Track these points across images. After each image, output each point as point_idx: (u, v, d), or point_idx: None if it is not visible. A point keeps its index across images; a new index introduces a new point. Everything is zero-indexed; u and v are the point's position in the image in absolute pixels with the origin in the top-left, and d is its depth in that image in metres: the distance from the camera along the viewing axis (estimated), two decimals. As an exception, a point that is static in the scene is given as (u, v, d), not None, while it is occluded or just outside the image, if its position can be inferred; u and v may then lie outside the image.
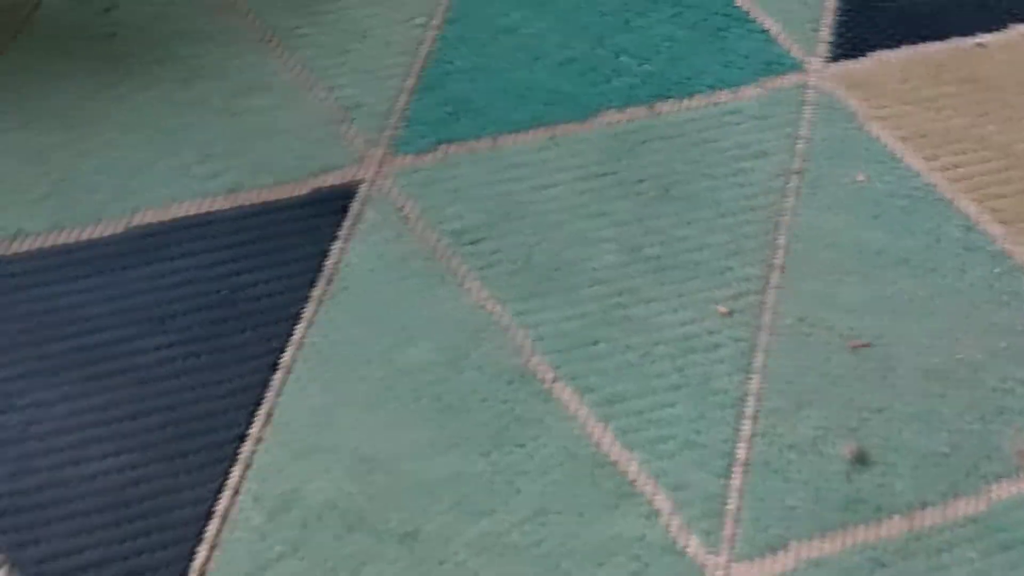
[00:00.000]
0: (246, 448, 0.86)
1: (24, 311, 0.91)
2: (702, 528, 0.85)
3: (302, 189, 0.99)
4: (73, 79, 1.04)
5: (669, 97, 1.07)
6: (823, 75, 1.10)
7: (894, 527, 0.85)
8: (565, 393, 0.90)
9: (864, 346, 0.94)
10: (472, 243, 0.97)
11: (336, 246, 0.97)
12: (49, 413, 0.86)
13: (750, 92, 1.08)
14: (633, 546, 0.83)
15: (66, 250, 0.94)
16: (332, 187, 1.00)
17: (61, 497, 0.83)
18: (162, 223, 0.96)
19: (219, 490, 0.84)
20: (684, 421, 0.89)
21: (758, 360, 0.92)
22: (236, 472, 0.85)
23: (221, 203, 0.98)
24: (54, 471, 0.83)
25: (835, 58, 1.12)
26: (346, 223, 0.98)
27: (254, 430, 0.87)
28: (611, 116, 1.05)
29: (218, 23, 1.09)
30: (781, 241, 0.99)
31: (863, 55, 1.13)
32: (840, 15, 1.16)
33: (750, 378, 0.91)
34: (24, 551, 0.80)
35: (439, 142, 1.03)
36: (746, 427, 0.89)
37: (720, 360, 0.92)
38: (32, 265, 0.94)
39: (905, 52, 1.14)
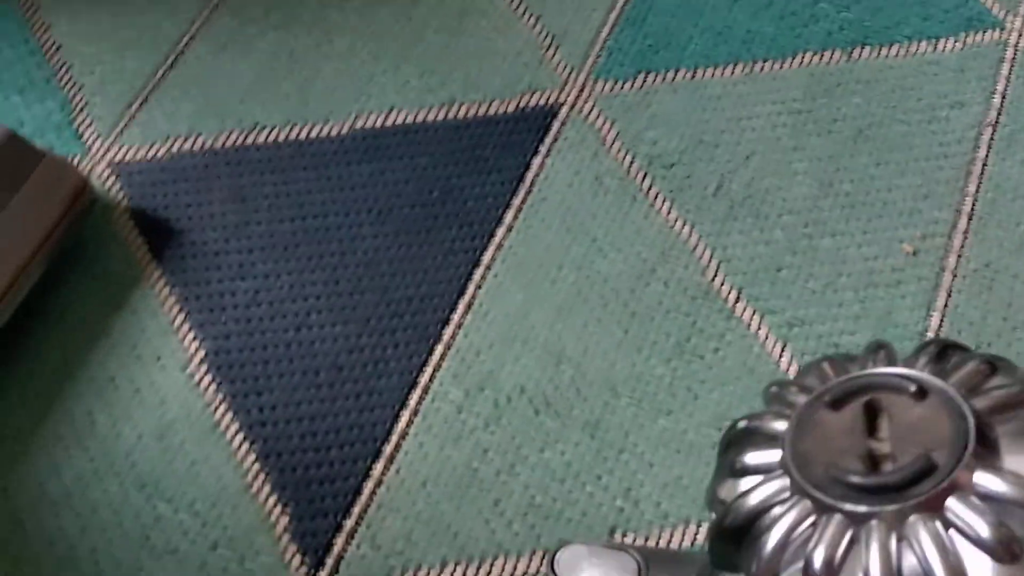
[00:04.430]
0: (448, 331, 0.93)
1: (258, 193, 1.01)
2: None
3: (509, 107, 1.06)
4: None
5: (867, 44, 1.09)
6: (1024, 35, 1.11)
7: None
8: (747, 313, 0.94)
9: (1049, 296, 0.95)
10: (666, 167, 1.02)
11: (537, 160, 1.03)
12: (276, 284, 0.95)
13: (949, 46, 1.09)
14: (804, 458, 0.87)
15: (297, 143, 1.04)
16: (536, 107, 1.06)
17: (284, 357, 0.92)
18: (384, 128, 1.05)
19: (423, 365, 0.91)
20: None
21: (940, 300, 0.94)
22: (438, 351, 0.92)
23: (436, 114, 1.06)
24: (278, 334, 0.93)
25: (1038, 19, 1.12)
26: (547, 140, 1.04)
27: (456, 316, 0.94)
28: (808, 59, 1.08)
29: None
30: (971, 189, 1.00)
31: (1068, 19, 1.12)
32: (1046, -22, 1.15)
33: (931, 315, 0.93)
34: (248, 400, 0.90)
35: (639, 71, 1.08)
36: (923, 361, 0.92)
37: (902, 296, 0.94)
38: (268, 154, 1.03)
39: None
